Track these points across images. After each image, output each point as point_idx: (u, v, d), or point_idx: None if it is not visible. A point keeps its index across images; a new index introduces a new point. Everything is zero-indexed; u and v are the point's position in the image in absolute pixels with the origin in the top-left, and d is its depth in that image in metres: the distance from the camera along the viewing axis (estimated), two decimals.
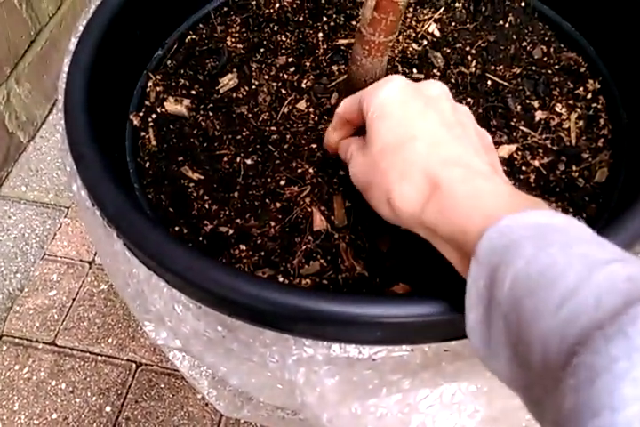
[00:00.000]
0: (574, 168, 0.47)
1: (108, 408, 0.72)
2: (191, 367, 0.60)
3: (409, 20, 0.60)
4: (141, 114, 0.53)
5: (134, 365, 0.75)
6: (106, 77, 0.48)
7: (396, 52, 0.58)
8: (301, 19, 0.61)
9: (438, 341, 0.32)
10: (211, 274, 0.33)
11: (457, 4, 0.61)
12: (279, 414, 0.57)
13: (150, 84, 0.55)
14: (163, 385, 0.73)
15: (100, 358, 0.76)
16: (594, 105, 0.51)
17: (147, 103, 0.54)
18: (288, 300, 0.31)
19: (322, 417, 0.32)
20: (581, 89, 0.52)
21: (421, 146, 0.34)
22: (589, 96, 0.51)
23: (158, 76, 0.56)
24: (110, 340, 0.77)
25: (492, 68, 0.55)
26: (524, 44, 0.57)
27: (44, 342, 0.78)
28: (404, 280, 0.42)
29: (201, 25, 0.61)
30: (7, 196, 0.94)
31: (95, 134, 0.42)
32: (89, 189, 0.38)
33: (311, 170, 0.49)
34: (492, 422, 0.29)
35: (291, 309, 0.31)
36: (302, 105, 0.55)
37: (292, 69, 0.57)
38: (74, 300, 0.81)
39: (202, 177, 0.49)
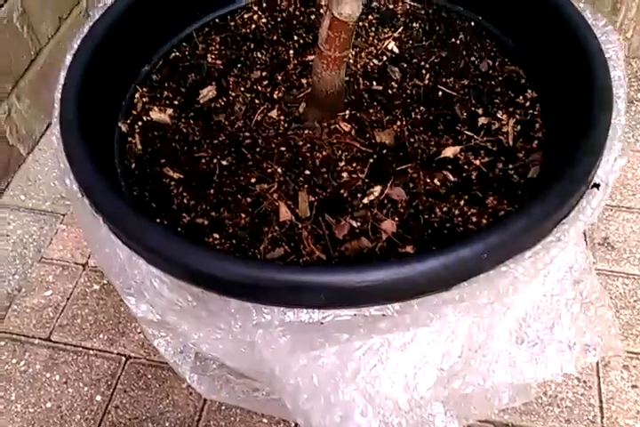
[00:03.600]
0: (510, 166, 0.53)
1: (98, 397, 0.77)
2: (174, 354, 0.65)
3: (371, 38, 0.67)
4: (129, 121, 0.59)
5: (124, 358, 0.80)
6: (96, 90, 0.55)
7: (359, 66, 0.65)
8: (275, 38, 0.68)
9: (374, 304, 0.38)
10: (183, 251, 0.39)
11: (414, 24, 0.68)
12: (253, 395, 0.62)
13: (137, 95, 0.62)
14: (150, 376, 0.78)
15: (91, 351, 0.81)
16: (530, 111, 0.57)
17: (134, 112, 0.60)
18: (242, 269, 0.37)
19: (275, 369, 0.37)
20: (521, 98, 0.58)
21: None
22: (527, 104, 0.58)
23: (145, 89, 0.62)
24: (102, 335, 0.82)
25: (443, 80, 0.62)
26: (473, 58, 0.63)
27: (39, 338, 0.83)
28: (357, 262, 0.48)
29: (184, 44, 0.68)
30: (7, 204, 1.00)
31: (84, 136, 0.48)
32: (79, 181, 0.44)
33: (280, 170, 0.55)
34: (412, 368, 0.34)
35: (244, 277, 0.37)
36: (274, 113, 0.61)
37: (265, 82, 0.64)
38: (68, 299, 0.86)
39: (181, 176, 0.55)
